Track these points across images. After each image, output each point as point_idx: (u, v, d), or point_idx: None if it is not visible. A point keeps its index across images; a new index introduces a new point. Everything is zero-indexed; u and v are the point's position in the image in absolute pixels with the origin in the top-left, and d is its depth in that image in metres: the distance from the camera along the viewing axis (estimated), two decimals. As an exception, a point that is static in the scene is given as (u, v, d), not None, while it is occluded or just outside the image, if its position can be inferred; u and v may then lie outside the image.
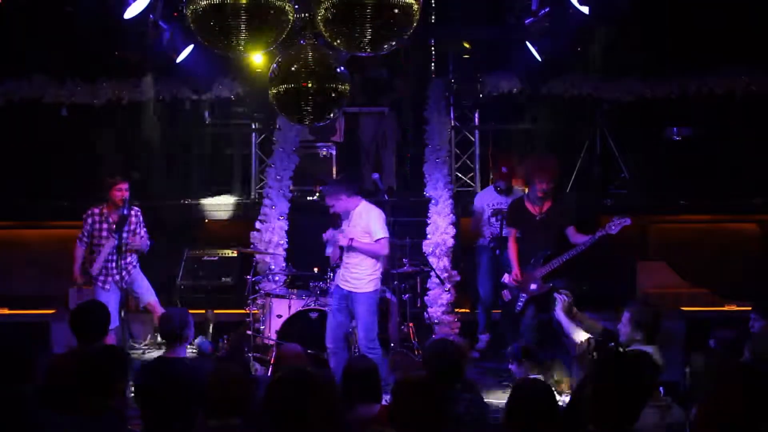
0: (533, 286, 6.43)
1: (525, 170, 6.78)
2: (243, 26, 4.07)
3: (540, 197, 6.55)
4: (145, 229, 6.75)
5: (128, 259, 6.69)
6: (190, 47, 7.30)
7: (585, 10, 6.25)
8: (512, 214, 6.84)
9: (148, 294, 6.81)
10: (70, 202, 8.95)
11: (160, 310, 6.73)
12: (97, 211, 6.66)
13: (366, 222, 6.05)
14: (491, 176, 7.87)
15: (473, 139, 9.22)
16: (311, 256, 6.97)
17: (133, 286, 6.78)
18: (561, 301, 5.07)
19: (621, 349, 4.10)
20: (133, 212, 6.64)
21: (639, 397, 3.02)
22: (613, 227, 6.12)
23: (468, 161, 9.23)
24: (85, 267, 6.71)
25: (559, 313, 5.06)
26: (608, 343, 4.30)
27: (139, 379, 4.31)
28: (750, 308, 5.25)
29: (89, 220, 6.66)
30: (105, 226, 6.64)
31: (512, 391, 3.24)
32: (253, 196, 9.06)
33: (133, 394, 4.42)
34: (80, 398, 3.26)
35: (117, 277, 6.56)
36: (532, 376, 4.04)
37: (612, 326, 4.80)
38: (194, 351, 7.15)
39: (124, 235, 6.48)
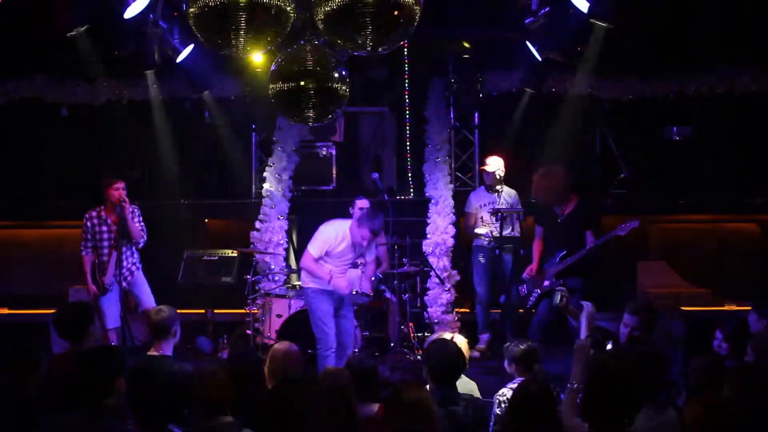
0: (546, 283, 6.60)
1: (533, 184, 6.88)
2: (243, 26, 4.07)
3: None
4: (143, 224, 6.73)
5: (131, 258, 6.69)
6: (190, 47, 7.30)
7: (584, 7, 6.25)
8: (540, 212, 6.98)
9: (148, 300, 6.77)
10: (70, 202, 8.95)
11: None
12: (94, 213, 6.66)
13: None
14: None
15: (473, 139, 9.21)
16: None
17: (134, 288, 6.77)
18: (558, 295, 5.13)
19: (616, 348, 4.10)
20: (130, 209, 6.65)
21: (636, 396, 3.01)
22: (622, 229, 6.37)
23: (468, 161, 9.23)
24: (95, 276, 6.69)
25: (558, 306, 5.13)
26: (605, 341, 4.28)
27: (129, 378, 4.32)
28: (749, 308, 5.25)
29: (88, 224, 6.66)
30: (105, 228, 6.63)
31: (514, 394, 3.24)
32: (253, 196, 9.05)
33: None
34: (78, 397, 3.26)
35: (118, 276, 6.57)
36: (530, 380, 4.04)
37: (610, 326, 4.84)
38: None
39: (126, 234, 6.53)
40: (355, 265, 6.65)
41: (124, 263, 6.60)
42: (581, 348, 3.91)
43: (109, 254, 6.62)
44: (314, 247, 5.97)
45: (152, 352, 4.46)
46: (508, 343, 4.68)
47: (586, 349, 3.90)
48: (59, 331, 4.48)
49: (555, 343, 6.96)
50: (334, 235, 5.95)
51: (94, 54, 7.71)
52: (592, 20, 6.35)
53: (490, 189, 7.60)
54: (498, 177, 7.53)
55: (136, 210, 6.71)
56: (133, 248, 6.77)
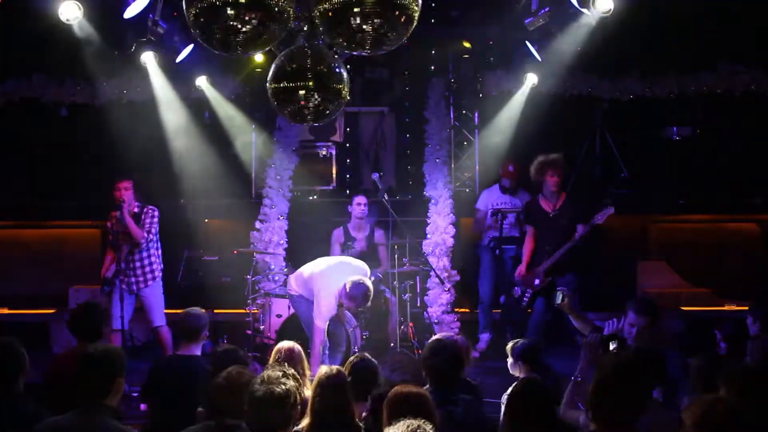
0: (536, 281, 6.57)
1: (535, 168, 6.86)
2: (243, 26, 4.07)
3: (554, 191, 6.71)
4: (151, 226, 6.67)
5: (147, 262, 6.68)
6: (190, 47, 7.30)
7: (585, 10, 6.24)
8: (527, 212, 7.01)
9: (156, 318, 6.74)
10: (71, 202, 8.95)
11: (167, 336, 6.70)
12: (113, 213, 6.70)
13: None
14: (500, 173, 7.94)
15: (473, 139, 9.21)
16: (311, 256, 6.96)
17: (145, 300, 6.72)
18: (559, 294, 5.13)
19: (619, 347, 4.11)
20: (145, 210, 6.65)
21: (642, 396, 3.02)
22: (599, 217, 6.36)
23: (468, 161, 9.22)
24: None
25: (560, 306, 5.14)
26: (609, 341, 4.29)
27: (153, 374, 4.34)
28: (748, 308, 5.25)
29: (108, 224, 6.75)
30: (119, 227, 6.64)
31: (512, 392, 3.24)
32: (253, 196, 9.05)
33: (142, 391, 4.46)
34: (78, 397, 3.26)
35: (131, 279, 6.59)
36: (530, 376, 4.05)
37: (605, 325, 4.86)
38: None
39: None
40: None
41: (138, 266, 6.62)
42: (590, 344, 3.94)
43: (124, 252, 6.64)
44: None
45: (181, 353, 4.48)
46: (511, 342, 4.68)
47: (596, 345, 3.94)
48: (73, 329, 4.47)
49: (555, 342, 6.98)
50: (334, 302, 6.08)
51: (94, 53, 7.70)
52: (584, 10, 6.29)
53: (506, 190, 7.68)
54: (516, 182, 7.59)
55: (149, 211, 6.68)
56: (153, 253, 6.72)
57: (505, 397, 4.24)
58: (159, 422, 4.29)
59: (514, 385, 4.10)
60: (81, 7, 6.30)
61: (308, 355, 6.02)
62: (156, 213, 6.71)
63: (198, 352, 4.47)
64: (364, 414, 3.67)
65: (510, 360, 4.56)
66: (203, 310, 4.67)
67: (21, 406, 3.50)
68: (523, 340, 4.60)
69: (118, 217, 6.60)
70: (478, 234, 7.91)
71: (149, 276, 6.70)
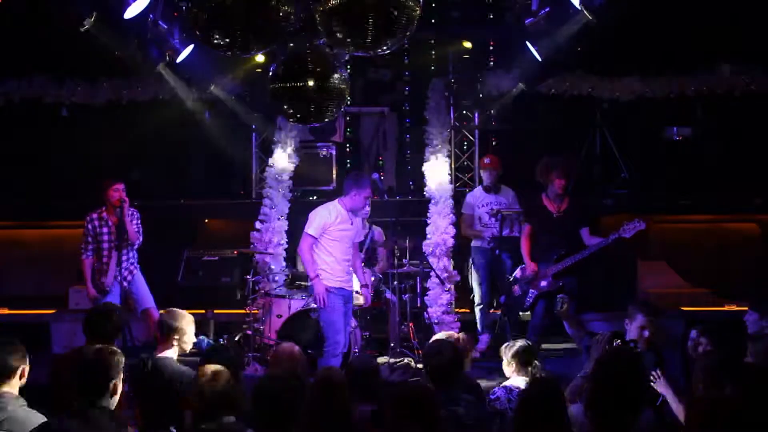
0: (543, 283, 6.48)
1: (541, 169, 6.81)
2: (244, 26, 4.08)
3: (559, 194, 6.57)
4: (140, 227, 6.83)
5: (131, 258, 6.75)
6: (190, 47, 7.29)
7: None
8: (529, 209, 6.88)
9: (146, 299, 6.85)
10: (70, 202, 8.94)
11: (157, 316, 6.73)
12: (95, 215, 6.72)
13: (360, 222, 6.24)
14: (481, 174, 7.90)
15: (473, 139, 9.21)
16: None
17: (133, 288, 6.85)
18: (559, 302, 5.13)
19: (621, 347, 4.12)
20: (130, 212, 6.68)
21: (639, 396, 3.02)
22: (627, 231, 6.08)
23: (468, 161, 9.23)
24: (95, 279, 6.73)
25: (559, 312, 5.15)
26: (613, 340, 4.30)
27: (136, 375, 4.33)
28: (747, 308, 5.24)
29: (89, 226, 6.73)
30: (106, 229, 6.70)
31: (523, 393, 3.24)
32: (253, 196, 9.05)
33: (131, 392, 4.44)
34: (76, 398, 3.26)
35: (119, 277, 6.60)
36: (543, 377, 4.07)
37: (607, 327, 4.88)
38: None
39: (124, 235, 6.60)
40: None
41: (124, 263, 6.65)
42: (600, 341, 3.97)
43: (109, 255, 6.70)
44: (312, 227, 5.92)
45: (157, 353, 4.46)
46: (505, 343, 4.69)
47: (604, 343, 3.97)
48: (90, 329, 4.44)
49: (554, 343, 6.98)
50: (327, 212, 5.96)
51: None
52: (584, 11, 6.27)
53: (489, 189, 7.61)
54: (497, 177, 7.55)
55: (135, 213, 6.80)
56: (132, 248, 6.84)
57: (488, 396, 4.26)
58: (146, 424, 4.28)
59: (507, 387, 4.12)
60: (95, 14, 6.30)
61: (309, 356, 6.04)
62: (137, 213, 6.83)
63: (172, 355, 4.39)
64: None
65: (504, 361, 4.57)
66: (184, 311, 4.57)
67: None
68: (518, 342, 4.61)
69: (105, 218, 6.67)
70: (470, 235, 7.83)
71: (132, 268, 6.86)
